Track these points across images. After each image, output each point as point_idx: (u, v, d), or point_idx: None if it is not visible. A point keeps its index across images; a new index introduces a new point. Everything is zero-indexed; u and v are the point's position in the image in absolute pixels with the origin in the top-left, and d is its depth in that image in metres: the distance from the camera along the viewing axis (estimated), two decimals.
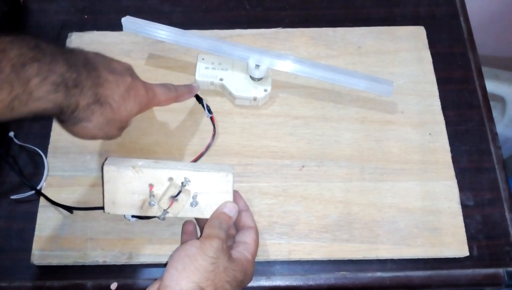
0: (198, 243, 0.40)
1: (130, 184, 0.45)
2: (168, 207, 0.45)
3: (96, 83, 0.42)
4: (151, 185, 0.45)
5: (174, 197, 0.44)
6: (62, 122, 0.43)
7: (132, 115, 0.47)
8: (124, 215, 0.48)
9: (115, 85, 0.44)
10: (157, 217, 0.46)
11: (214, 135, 0.54)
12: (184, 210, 0.45)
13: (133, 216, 0.48)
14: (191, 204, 0.45)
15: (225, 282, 0.39)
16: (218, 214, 0.45)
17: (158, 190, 0.45)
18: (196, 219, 0.49)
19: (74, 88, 0.40)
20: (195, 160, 0.53)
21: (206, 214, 0.46)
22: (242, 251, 0.43)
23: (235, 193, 0.48)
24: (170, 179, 0.45)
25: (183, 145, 0.54)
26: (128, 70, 0.47)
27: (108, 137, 0.47)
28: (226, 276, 0.39)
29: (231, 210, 0.45)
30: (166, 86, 0.51)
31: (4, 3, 0.63)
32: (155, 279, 0.40)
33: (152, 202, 0.45)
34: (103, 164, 0.46)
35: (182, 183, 0.45)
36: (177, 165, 0.47)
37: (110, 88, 0.43)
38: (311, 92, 0.58)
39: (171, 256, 0.40)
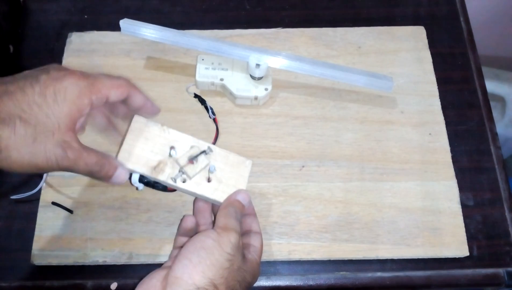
0: (215, 235, 0.39)
1: (153, 141, 0.45)
2: (185, 166, 0.44)
3: None
4: (172, 147, 0.45)
5: (193, 158, 0.44)
6: None
7: (72, 117, 0.36)
8: (131, 182, 0.46)
9: (20, 94, 0.34)
10: (168, 182, 0.44)
11: (217, 136, 0.54)
12: (197, 184, 0.44)
13: (140, 181, 0.45)
14: (207, 179, 0.45)
15: (236, 281, 0.38)
16: (232, 201, 0.44)
17: (178, 153, 0.45)
18: (206, 201, 0.47)
19: None
20: None
21: (218, 196, 0.45)
22: (252, 253, 0.43)
23: (246, 195, 0.46)
24: (193, 147, 0.45)
25: None
26: (43, 68, 0.37)
27: (52, 162, 0.36)
28: (238, 275, 0.39)
29: (244, 199, 0.44)
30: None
31: (4, 3, 0.63)
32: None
33: (173, 154, 0.44)
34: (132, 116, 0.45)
35: (205, 150, 0.45)
36: (201, 140, 0.47)
37: (13, 100, 0.34)
38: (311, 92, 0.58)
39: (185, 246, 0.39)
